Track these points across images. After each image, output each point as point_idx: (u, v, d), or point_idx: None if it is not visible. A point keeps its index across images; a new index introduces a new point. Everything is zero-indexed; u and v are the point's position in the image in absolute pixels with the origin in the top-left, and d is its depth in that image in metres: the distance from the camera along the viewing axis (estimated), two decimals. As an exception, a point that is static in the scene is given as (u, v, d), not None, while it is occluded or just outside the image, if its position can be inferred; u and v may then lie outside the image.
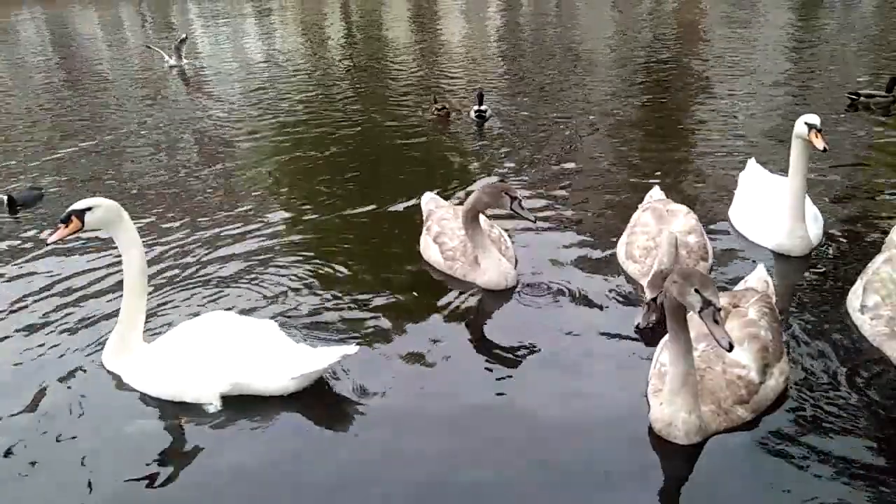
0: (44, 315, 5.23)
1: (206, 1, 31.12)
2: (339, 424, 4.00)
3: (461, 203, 6.18)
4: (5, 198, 7.41)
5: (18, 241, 6.71)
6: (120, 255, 4.46)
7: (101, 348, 4.58)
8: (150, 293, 4.93)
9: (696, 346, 3.80)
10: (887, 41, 15.09)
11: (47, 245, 4.26)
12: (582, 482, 3.50)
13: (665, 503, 3.42)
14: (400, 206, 7.02)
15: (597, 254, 5.82)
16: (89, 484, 3.63)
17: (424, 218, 6.10)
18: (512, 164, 8.26)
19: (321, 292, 5.38)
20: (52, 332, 5.00)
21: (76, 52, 20.07)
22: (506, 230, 5.95)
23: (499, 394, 4.22)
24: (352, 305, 5.18)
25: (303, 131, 10.22)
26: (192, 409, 4.11)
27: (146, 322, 4.62)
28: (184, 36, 16.09)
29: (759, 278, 4.54)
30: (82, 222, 4.18)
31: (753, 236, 5.84)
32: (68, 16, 29.15)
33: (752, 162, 6.56)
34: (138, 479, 3.65)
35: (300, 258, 6.01)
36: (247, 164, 8.89)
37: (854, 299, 4.64)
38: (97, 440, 3.94)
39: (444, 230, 5.69)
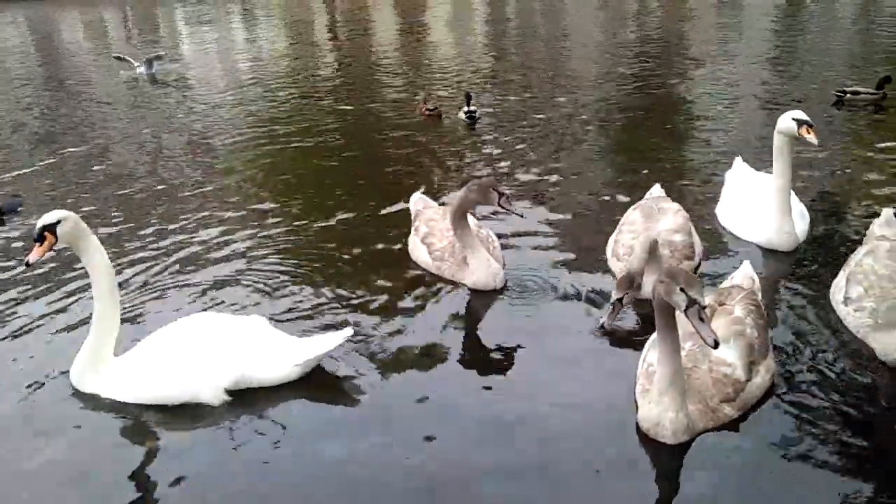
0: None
1: (191, 4, 30.98)
2: (325, 426, 3.98)
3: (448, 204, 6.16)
4: None
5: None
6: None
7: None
8: (123, 303, 4.77)
9: (683, 345, 3.79)
10: (870, 39, 15.21)
11: (28, 266, 4.20)
12: (570, 481, 3.50)
13: (653, 502, 3.42)
14: (388, 208, 7.00)
15: (585, 253, 5.82)
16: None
17: (412, 218, 6.08)
18: (502, 165, 8.25)
19: (308, 294, 5.36)
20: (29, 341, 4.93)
21: (56, 57, 19.89)
22: (494, 231, 5.94)
23: (486, 394, 4.21)
24: (339, 307, 5.16)
25: (289, 134, 10.16)
26: (183, 412, 4.08)
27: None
28: (162, 53, 16.07)
29: (744, 275, 4.54)
30: (55, 236, 4.09)
31: (741, 233, 5.88)
32: (51, 17, 28.92)
33: (738, 160, 6.64)
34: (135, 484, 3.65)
35: (287, 260, 5.98)
36: (232, 167, 8.83)
37: (837, 292, 4.66)
38: (84, 455, 3.91)
39: (432, 231, 5.67)
